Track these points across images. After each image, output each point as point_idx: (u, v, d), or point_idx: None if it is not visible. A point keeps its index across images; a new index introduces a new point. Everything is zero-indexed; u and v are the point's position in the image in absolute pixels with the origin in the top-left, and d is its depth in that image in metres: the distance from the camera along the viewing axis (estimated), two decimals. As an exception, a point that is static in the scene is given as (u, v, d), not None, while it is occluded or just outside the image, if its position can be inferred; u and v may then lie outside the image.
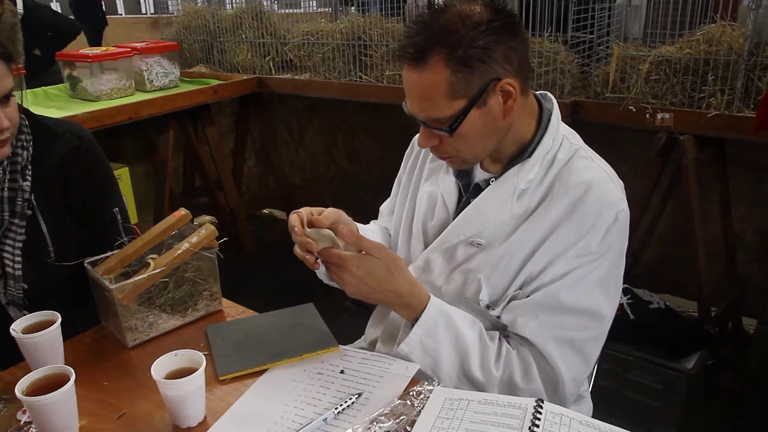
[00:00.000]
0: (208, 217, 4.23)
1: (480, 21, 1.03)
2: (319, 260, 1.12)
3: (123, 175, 2.88)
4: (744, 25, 2.13)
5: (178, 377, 0.99)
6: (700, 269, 2.34)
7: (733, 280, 2.69)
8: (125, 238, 1.36)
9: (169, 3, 4.01)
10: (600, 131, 2.57)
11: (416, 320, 1.13)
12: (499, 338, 1.17)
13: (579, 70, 2.47)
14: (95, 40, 4.47)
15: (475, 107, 1.07)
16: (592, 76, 2.38)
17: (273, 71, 3.38)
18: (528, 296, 1.16)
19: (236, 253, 3.64)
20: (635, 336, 2.16)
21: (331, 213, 1.16)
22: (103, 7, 4.64)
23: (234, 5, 3.63)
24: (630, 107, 2.23)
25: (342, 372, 1.15)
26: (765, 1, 2.07)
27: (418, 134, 1.44)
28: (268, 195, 4.23)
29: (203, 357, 1.02)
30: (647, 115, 2.20)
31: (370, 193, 3.82)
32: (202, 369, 1.00)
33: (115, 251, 1.30)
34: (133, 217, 3.04)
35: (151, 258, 1.26)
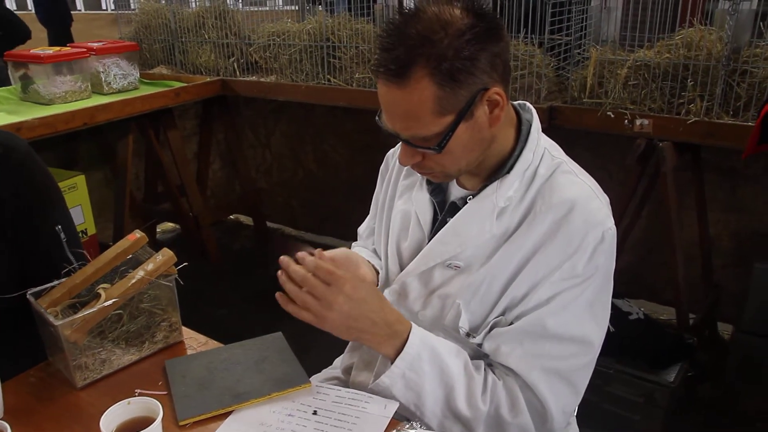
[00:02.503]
0: (170, 224, 4.08)
1: (464, 28, 0.94)
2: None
3: (79, 183, 2.73)
4: (721, 29, 2.08)
5: (132, 430, 0.88)
6: (678, 277, 2.31)
7: (709, 285, 2.66)
8: (75, 264, 1.24)
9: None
10: (575, 135, 2.52)
11: (398, 350, 1.04)
12: (485, 368, 1.09)
13: (554, 74, 2.41)
14: (63, 38, 4.26)
15: (462, 121, 0.98)
16: (569, 80, 2.32)
17: (237, 73, 3.25)
18: (511, 323, 1.08)
19: (201, 262, 3.50)
20: (615, 348, 2.11)
21: (339, 253, 1.18)
22: (67, 3, 4.42)
23: (196, 4, 3.48)
24: (608, 113, 2.17)
25: (315, 413, 1.05)
26: (743, 5, 2.03)
27: (392, 150, 1.36)
28: (234, 200, 4.09)
29: (160, 406, 0.92)
30: (626, 121, 2.14)
31: (340, 198, 3.72)
32: (158, 420, 0.89)
33: (63, 280, 1.18)
34: (91, 227, 2.89)
35: (103, 288, 1.14)
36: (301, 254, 1.04)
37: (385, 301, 1.07)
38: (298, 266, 1.02)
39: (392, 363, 1.04)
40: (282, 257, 1.04)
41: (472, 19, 0.96)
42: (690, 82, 2.05)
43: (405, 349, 1.04)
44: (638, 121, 2.12)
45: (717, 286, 2.70)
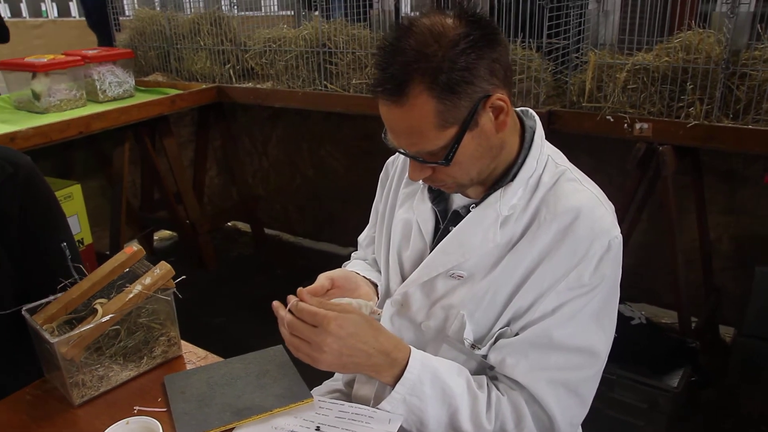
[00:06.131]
0: (167, 232, 4.06)
1: (457, 38, 0.93)
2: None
3: (75, 193, 2.70)
4: (719, 31, 2.07)
5: (131, 450, 0.87)
6: (679, 281, 2.29)
7: (709, 289, 2.65)
8: (74, 278, 1.21)
9: (125, 5, 3.82)
10: (574, 139, 2.51)
11: (398, 378, 1.02)
12: (488, 384, 1.08)
13: (552, 78, 2.40)
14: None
15: (467, 131, 0.97)
16: (568, 84, 2.30)
17: (233, 80, 3.23)
18: (516, 334, 1.06)
19: (198, 269, 3.48)
20: (618, 354, 2.08)
21: (322, 278, 1.13)
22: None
23: (191, 10, 3.47)
24: (607, 117, 2.16)
25: (318, 429, 1.03)
26: (741, 7, 2.02)
27: (391, 158, 1.34)
28: (231, 207, 4.07)
29: (159, 425, 0.90)
30: (625, 125, 2.13)
31: (337, 204, 3.71)
32: (158, 440, 0.87)
33: (58, 295, 1.16)
34: (88, 237, 2.86)
35: (99, 303, 1.12)
36: (290, 297, 1.03)
37: (380, 329, 1.04)
38: (286, 312, 1.01)
39: (393, 389, 1.02)
40: (274, 303, 1.03)
41: (466, 28, 0.94)
42: (689, 85, 2.04)
43: (405, 374, 1.02)
44: (638, 125, 2.11)
45: (718, 290, 2.69)
